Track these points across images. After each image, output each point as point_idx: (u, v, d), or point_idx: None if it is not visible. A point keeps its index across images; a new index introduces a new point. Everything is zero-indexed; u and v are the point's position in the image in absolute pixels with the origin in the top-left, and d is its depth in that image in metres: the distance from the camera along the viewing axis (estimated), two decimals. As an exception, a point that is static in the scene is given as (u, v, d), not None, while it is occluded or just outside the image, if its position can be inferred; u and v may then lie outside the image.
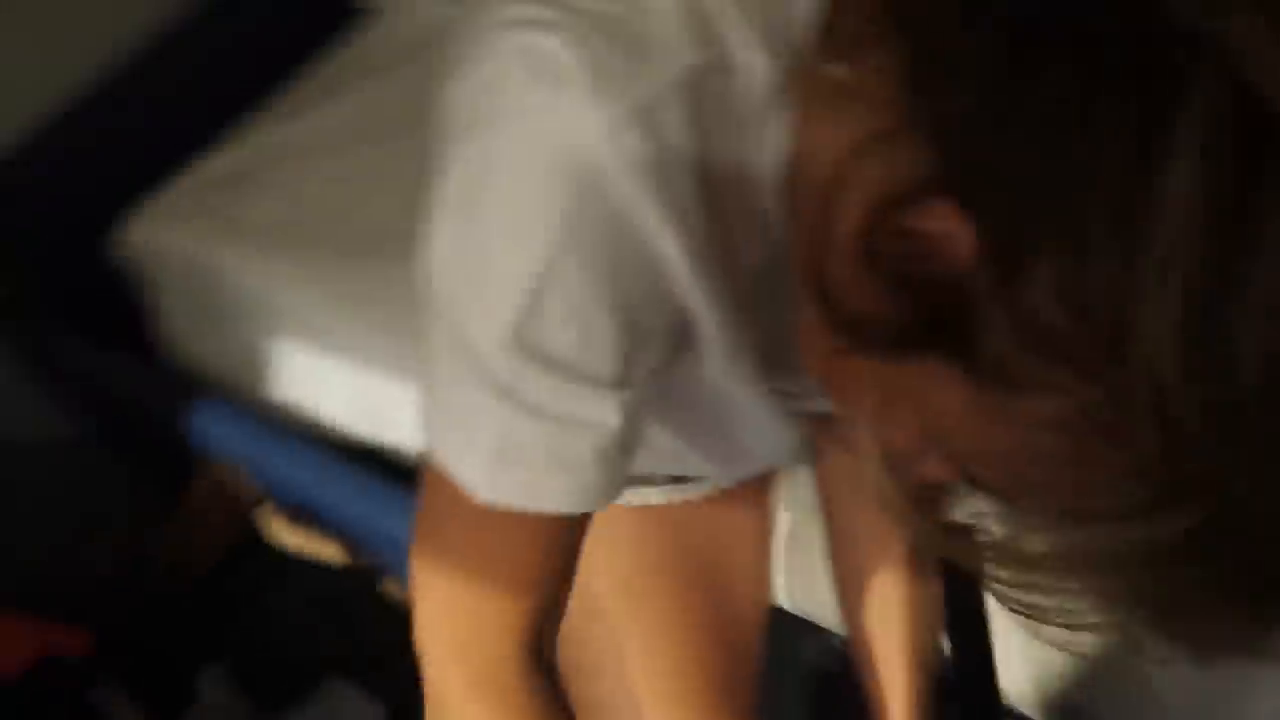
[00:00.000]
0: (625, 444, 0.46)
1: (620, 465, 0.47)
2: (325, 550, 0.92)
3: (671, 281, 0.42)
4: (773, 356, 0.51)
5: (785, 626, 0.89)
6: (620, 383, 0.43)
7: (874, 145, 0.34)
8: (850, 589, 0.78)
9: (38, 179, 1.26)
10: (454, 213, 0.41)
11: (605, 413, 0.43)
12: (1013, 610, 0.38)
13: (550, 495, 0.45)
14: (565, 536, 0.49)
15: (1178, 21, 0.27)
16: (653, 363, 0.45)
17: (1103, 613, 0.37)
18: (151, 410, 1.13)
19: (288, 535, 0.95)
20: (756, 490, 0.82)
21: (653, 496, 0.77)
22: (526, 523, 0.46)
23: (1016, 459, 0.34)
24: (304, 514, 0.95)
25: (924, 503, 0.41)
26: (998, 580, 0.37)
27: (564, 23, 0.37)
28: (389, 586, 0.97)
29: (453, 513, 0.48)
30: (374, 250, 1.10)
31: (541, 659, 0.52)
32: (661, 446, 0.67)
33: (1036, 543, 0.36)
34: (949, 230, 0.31)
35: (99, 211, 1.23)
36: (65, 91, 1.27)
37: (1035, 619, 0.39)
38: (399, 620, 0.71)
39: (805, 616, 0.89)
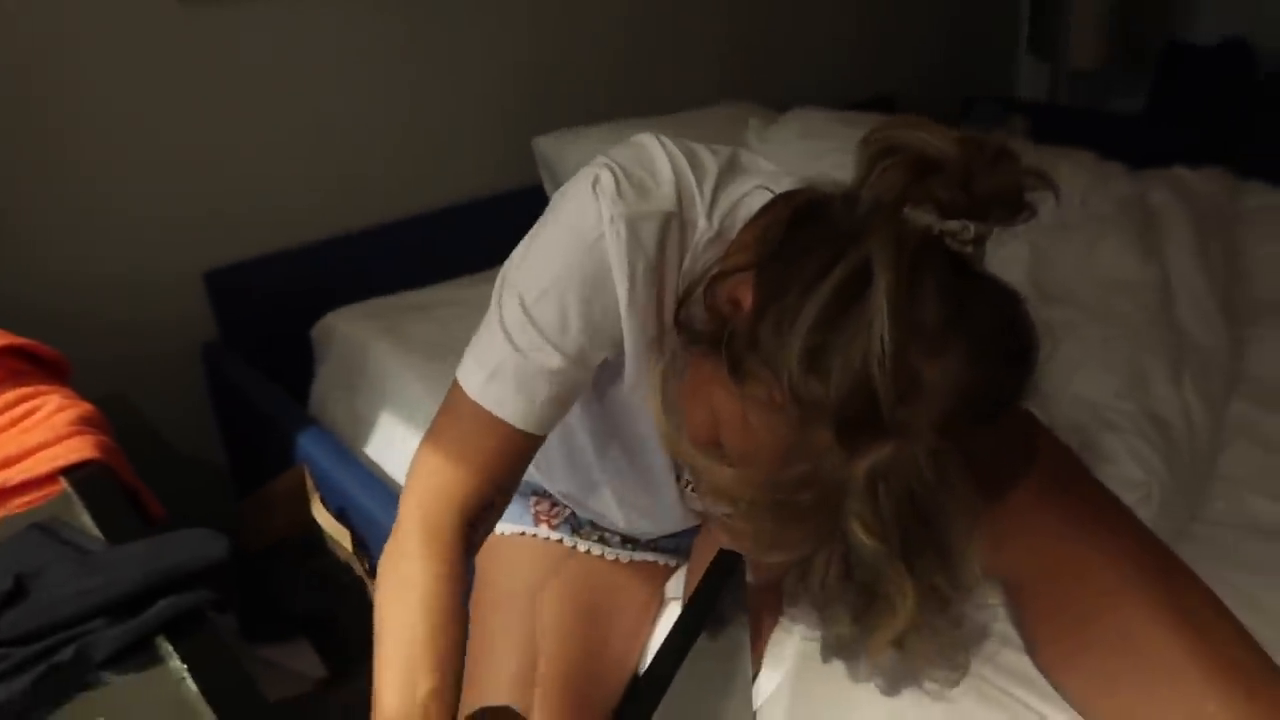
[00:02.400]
0: (558, 396, 0.75)
1: (551, 410, 0.75)
2: (342, 536, 1.20)
3: (616, 313, 0.73)
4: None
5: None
6: (570, 355, 0.73)
7: (731, 261, 0.66)
8: None
9: (307, 274, 1.75)
10: (530, 237, 0.76)
11: (552, 361, 0.73)
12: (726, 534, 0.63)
13: (508, 406, 0.74)
14: (510, 448, 0.75)
15: (846, 229, 0.58)
16: (596, 357, 0.76)
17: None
18: (278, 430, 1.49)
19: (326, 521, 1.24)
20: (653, 576, 1.05)
21: (581, 545, 1.03)
22: (492, 426, 0.74)
23: (740, 429, 0.61)
24: (340, 512, 1.25)
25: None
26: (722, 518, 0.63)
27: (616, 169, 0.73)
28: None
29: (452, 414, 0.76)
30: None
31: (469, 535, 0.76)
32: (587, 474, 0.95)
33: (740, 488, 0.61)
34: (744, 291, 0.62)
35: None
36: (358, 224, 1.80)
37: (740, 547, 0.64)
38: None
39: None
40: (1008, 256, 1.41)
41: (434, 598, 0.72)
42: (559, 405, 0.75)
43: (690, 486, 0.94)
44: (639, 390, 0.80)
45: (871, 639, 0.63)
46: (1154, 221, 1.52)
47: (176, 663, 0.66)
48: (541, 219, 0.76)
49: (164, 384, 1.67)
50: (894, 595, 0.58)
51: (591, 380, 0.77)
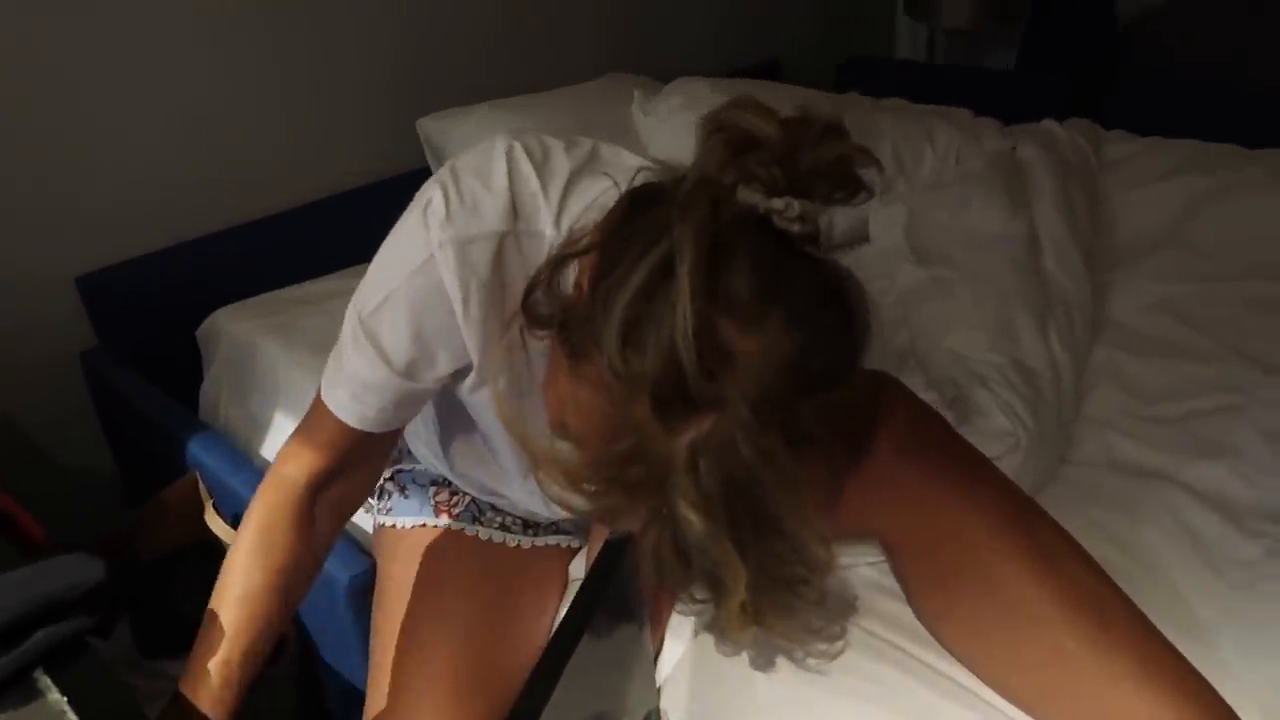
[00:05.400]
0: (392, 403, 0.79)
1: (386, 414, 0.80)
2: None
3: (451, 329, 0.75)
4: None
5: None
6: (399, 370, 0.77)
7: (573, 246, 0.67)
8: None
9: (188, 273, 1.67)
10: (376, 258, 0.78)
11: (380, 374, 0.77)
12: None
13: (347, 410, 0.80)
14: (352, 442, 0.82)
15: (671, 208, 0.58)
16: (432, 371, 0.78)
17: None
18: (167, 438, 1.44)
19: (220, 528, 1.22)
20: (557, 559, 1.06)
21: (483, 533, 1.03)
22: (336, 424, 0.80)
23: (575, 408, 0.63)
24: (236, 519, 1.23)
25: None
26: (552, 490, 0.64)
27: (448, 188, 0.73)
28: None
29: (313, 408, 0.83)
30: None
31: (312, 503, 0.83)
32: (470, 464, 0.96)
33: (571, 465, 0.62)
34: (587, 271, 0.62)
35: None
36: (238, 219, 1.74)
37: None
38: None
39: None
40: (886, 219, 1.46)
41: (248, 571, 0.81)
42: (395, 410, 0.81)
43: None
44: (481, 392, 0.83)
45: (719, 618, 0.64)
46: (1022, 175, 1.59)
47: (56, 695, 0.64)
48: (386, 240, 0.78)
49: (43, 397, 1.60)
50: (724, 574, 0.59)
51: (439, 388, 0.82)
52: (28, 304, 1.55)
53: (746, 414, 0.54)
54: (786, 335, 0.55)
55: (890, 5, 2.92)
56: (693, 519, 0.56)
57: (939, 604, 0.80)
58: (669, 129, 1.80)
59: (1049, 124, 1.91)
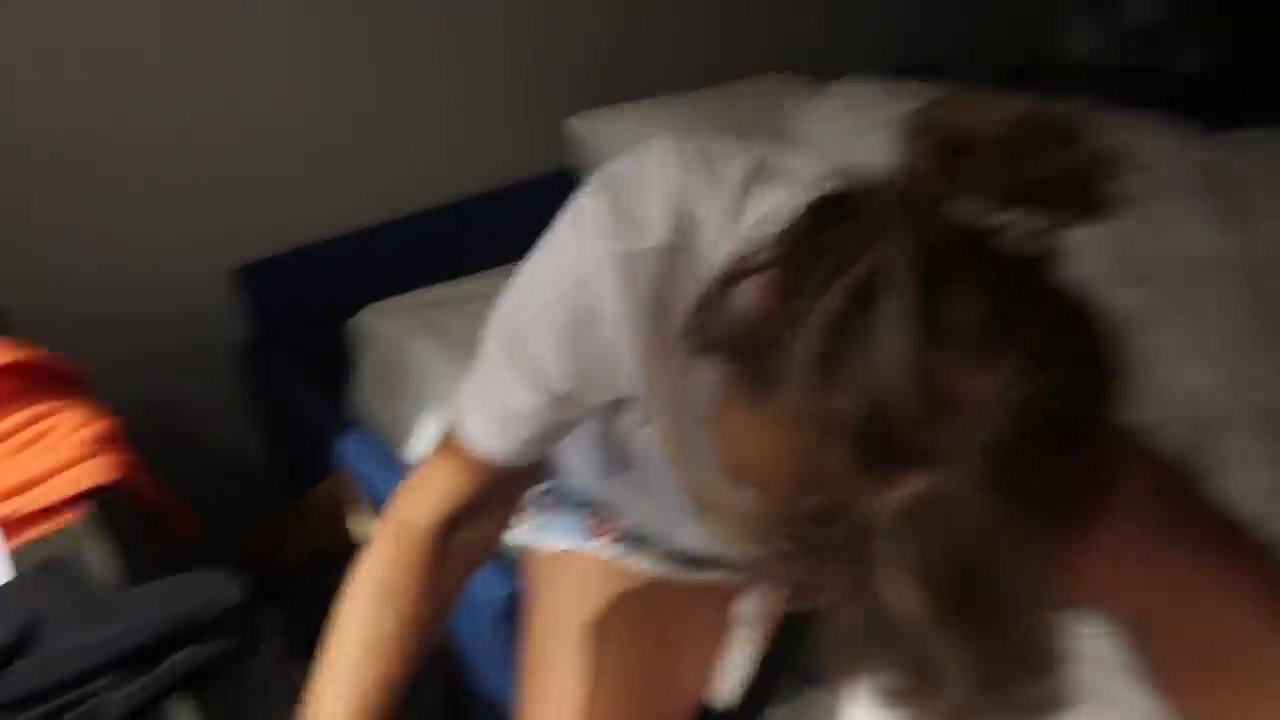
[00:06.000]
0: (540, 434, 0.72)
1: (532, 446, 0.74)
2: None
3: (616, 354, 0.67)
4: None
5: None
6: (553, 395, 0.69)
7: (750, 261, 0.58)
8: None
9: (339, 268, 1.69)
10: (523, 272, 0.71)
11: (534, 404, 0.70)
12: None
13: (493, 438, 0.72)
14: (492, 476, 0.75)
15: (870, 222, 0.50)
16: (587, 398, 0.71)
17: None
18: (318, 433, 1.44)
19: (365, 531, 1.19)
20: (720, 596, 0.98)
21: (644, 563, 0.96)
22: (474, 455, 0.73)
23: (756, 449, 0.54)
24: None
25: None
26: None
27: (608, 199, 0.67)
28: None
29: (444, 439, 0.76)
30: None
31: (446, 537, 0.76)
32: (628, 499, 0.88)
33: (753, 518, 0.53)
34: (770, 289, 0.54)
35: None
36: (394, 214, 1.75)
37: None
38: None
39: None
40: (1080, 235, 1.31)
41: (373, 622, 0.73)
42: (540, 441, 0.73)
43: None
44: (640, 425, 0.76)
45: (928, 717, 0.53)
46: (1235, 190, 1.41)
47: (198, 721, 0.60)
48: (534, 251, 0.71)
49: (199, 389, 1.63)
50: (940, 664, 0.48)
51: (588, 418, 0.75)
52: (187, 297, 1.58)
53: (975, 470, 0.44)
54: (1024, 376, 0.45)
55: (1063, 1, 2.73)
56: (904, 596, 0.46)
57: (1192, 689, 0.67)
58: (831, 132, 1.70)
59: (1259, 133, 1.71)
